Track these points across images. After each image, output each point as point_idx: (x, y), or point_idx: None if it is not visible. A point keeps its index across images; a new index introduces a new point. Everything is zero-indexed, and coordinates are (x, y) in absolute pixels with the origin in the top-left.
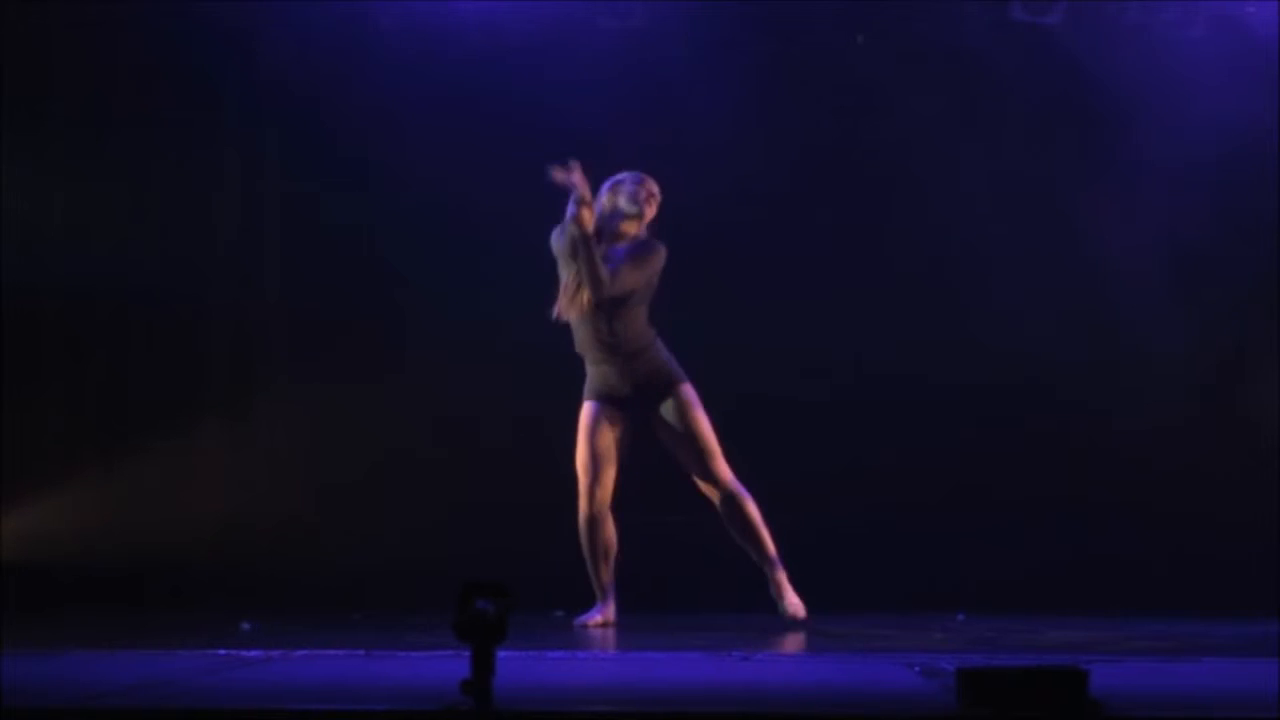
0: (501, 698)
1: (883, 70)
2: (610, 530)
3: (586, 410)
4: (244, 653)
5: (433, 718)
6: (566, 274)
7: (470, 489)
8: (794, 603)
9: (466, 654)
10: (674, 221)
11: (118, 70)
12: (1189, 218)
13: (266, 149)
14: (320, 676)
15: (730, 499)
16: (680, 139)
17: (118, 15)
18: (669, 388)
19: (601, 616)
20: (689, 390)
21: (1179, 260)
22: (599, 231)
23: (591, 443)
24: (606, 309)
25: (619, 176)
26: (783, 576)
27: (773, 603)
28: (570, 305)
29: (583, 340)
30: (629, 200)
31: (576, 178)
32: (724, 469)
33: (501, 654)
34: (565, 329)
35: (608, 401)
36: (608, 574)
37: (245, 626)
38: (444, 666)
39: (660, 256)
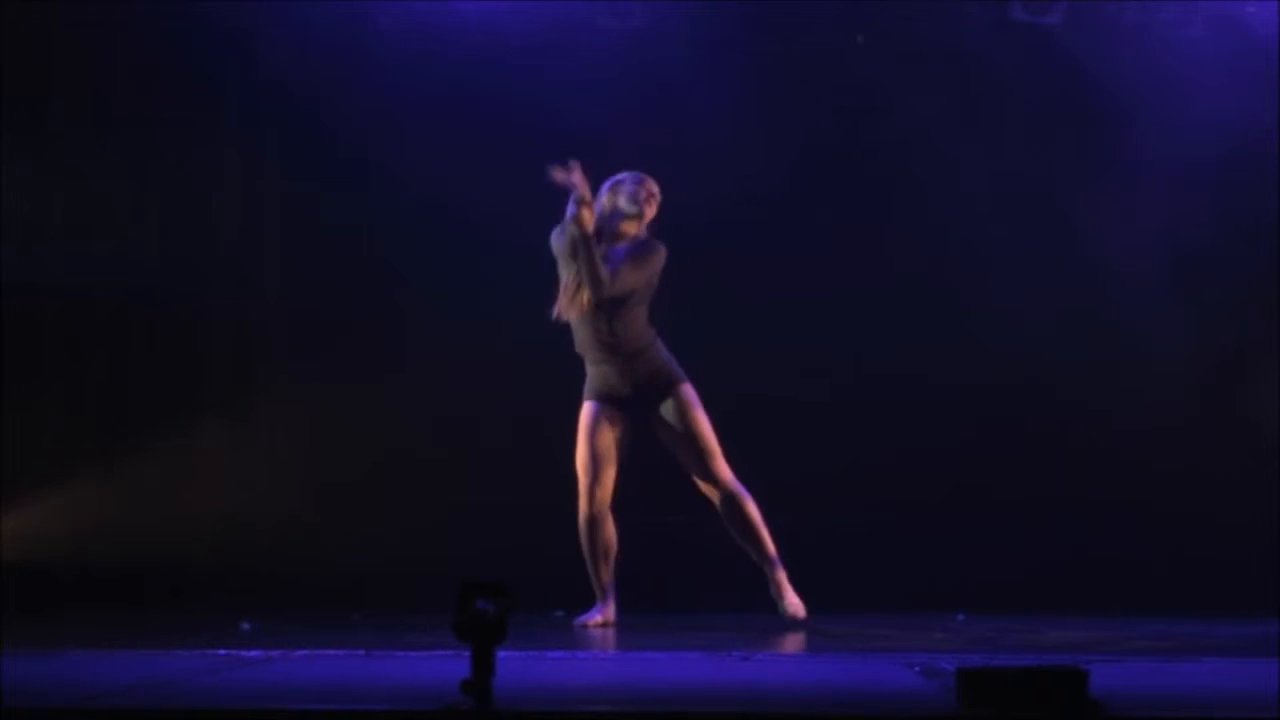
0: (501, 698)
1: (883, 70)
2: (610, 530)
3: (586, 410)
4: (244, 653)
5: (433, 718)
6: (566, 274)
7: (470, 489)
8: (794, 603)
9: (466, 654)
10: (674, 221)
11: (118, 70)
12: (1189, 218)
13: (266, 149)
14: (320, 676)
15: (730, 499)
16: (680, 139)
17: (118, 15)
18: (669, 388)
19: (601, 616)
20: (689, 390)
21: (1179, 260)
22: (599, 231)
23: (591, 443)
24: (606, 309)
25: (619, 176)
26: (783, 576)
27: (773, 603)
28: (570, 305)
29: (583, 340)
30: (629, 200)
31: (576, 178)
32: (724, 469)
33: (501, 654)
34: (565, 329)
35: (608, 401)
36: (607, 574)
37: (245, 626)
38: (444, 666)
39: (660, 256)
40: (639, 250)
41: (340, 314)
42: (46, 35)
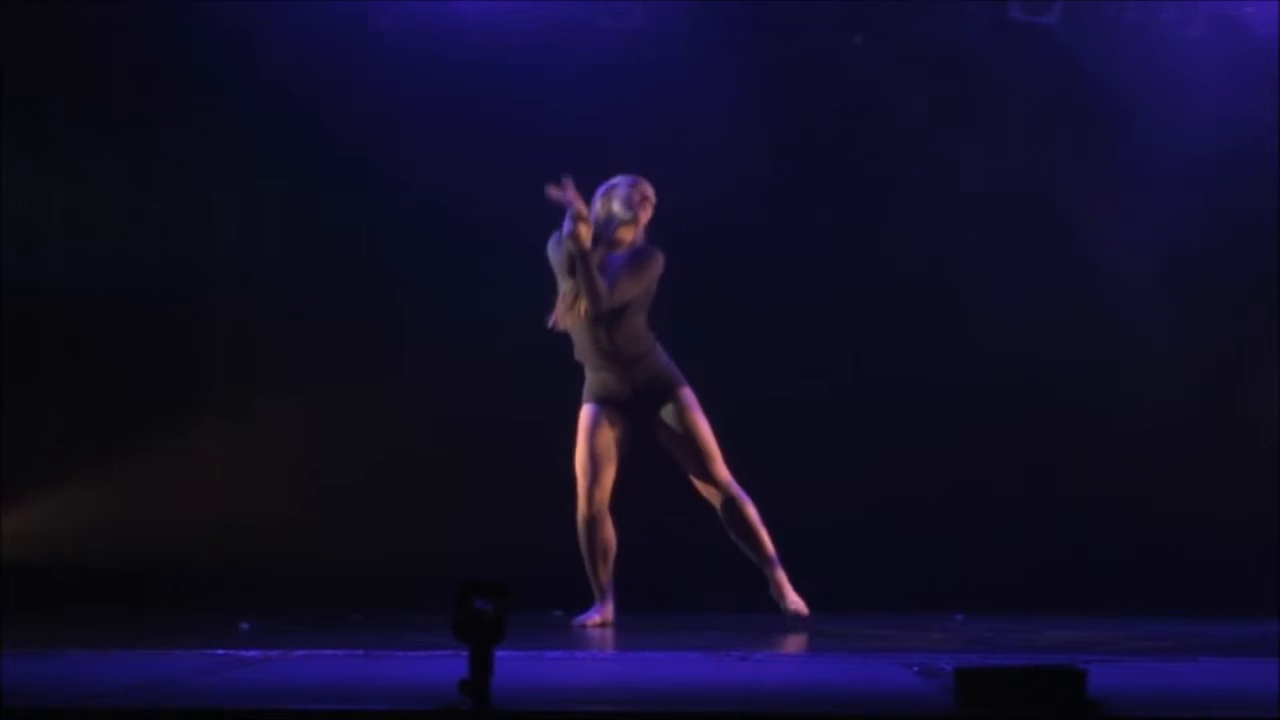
0: (500, 697)
1: (882, 70)
2: (609, 531)
3: (586, 412)
4: (243, 653)
5: (431, 717)
6: (564, 284)
7: (469, 489)
8: (795, 601)
9: (465, 654)
10: (674, 222)
11: (118, 70)
12: (1189, 218)
13: (266, 149)
14: (319, 676)
15: (730, 501)
16: (680, 139)
17: (118, 15)
18: (669, 392)
19: (600, 616)
20: (688, 393)
21: (1179, 260)
22: (595, 238)
23: (590, 444)
24: (605, 318)
25: (613, 181)
26: (782, 576)
27: (772, 603)
28: (568, 315)
29: (582, 348)
30: (623, 205)
31: (571, 194)
32: (723, 471)
33: (500, 654)
34: (565, 331)
35: (607, 404)
36: (606, 574)
37: (244, 626)
38: (442, 666)
39: (658, 264)
40: (637, 260)
41: (340, 314)
42: (46, 35)
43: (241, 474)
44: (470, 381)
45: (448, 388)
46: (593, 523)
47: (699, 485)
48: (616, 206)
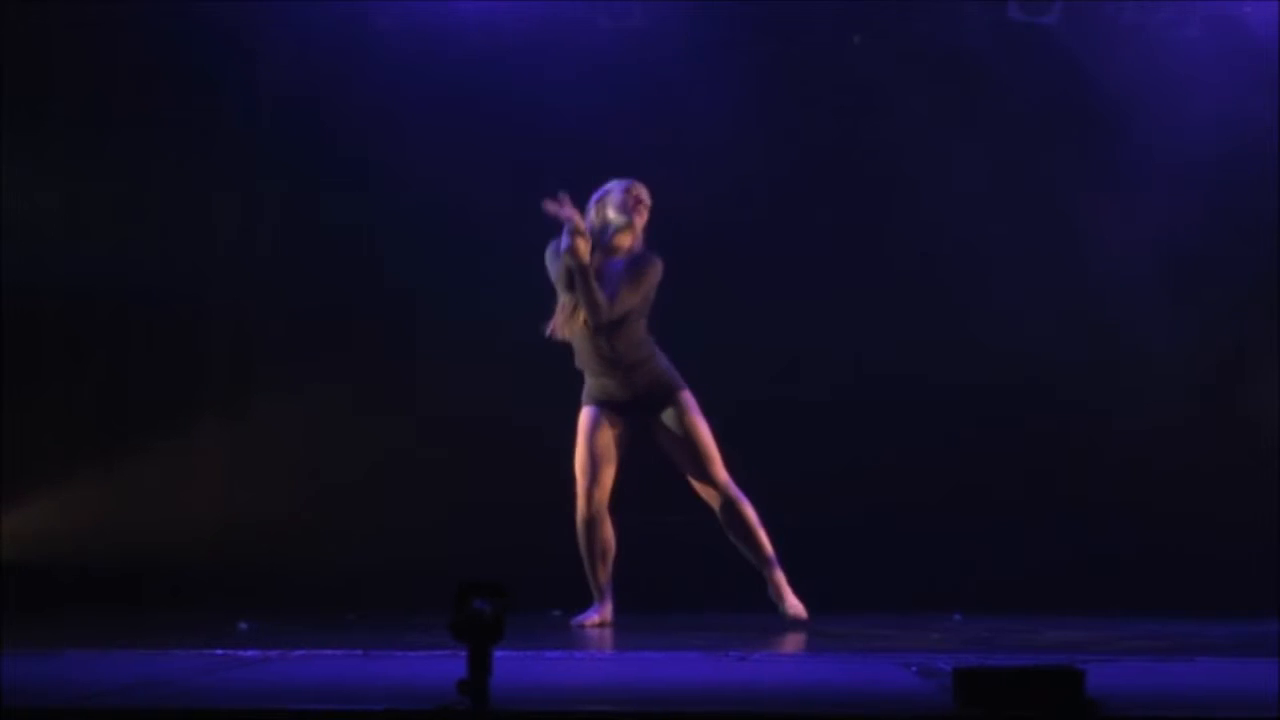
0: (498, 697)
1: (882, 70)
2: (608, 531)
3: (585, 414)
4: (241, 653)
5: (430, 717)
6: (563, 295)
7: (470, 489)
8: (794, 604)
9: (464, 654)
10: (674, 222)
11: (118, 70)
12: (1189, 218)
13: (266, 149)
14: (318, 676)
15: (729, 503)
16: (680, 139)
17: (118, 15)
18: (669, 395)
19: (599, 617)
20: (688, 396)
21: (1179, 260)
22: (592, 246)
23: (590, 445)
24: (605, 327)
25: (607, 186)
26: (781, 578)
27: (772, 603)
28: (566, 325)
29: (582, 356)
30: (618, 211)
31: (567, 209)
32: (722, 473)
33: (498, 654)
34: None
35: (606, 406)
36: (605, 575)
37: (243, 626)
38: (441, 666)
39: (657, 271)
40: (635, 268)
41: (340, 314)
42: (46, 35)
43: (241, 474)
44: (470, 381)
45: (448, 388)
46: (592, 523)
47: (698, 487)
48: (611, 213)
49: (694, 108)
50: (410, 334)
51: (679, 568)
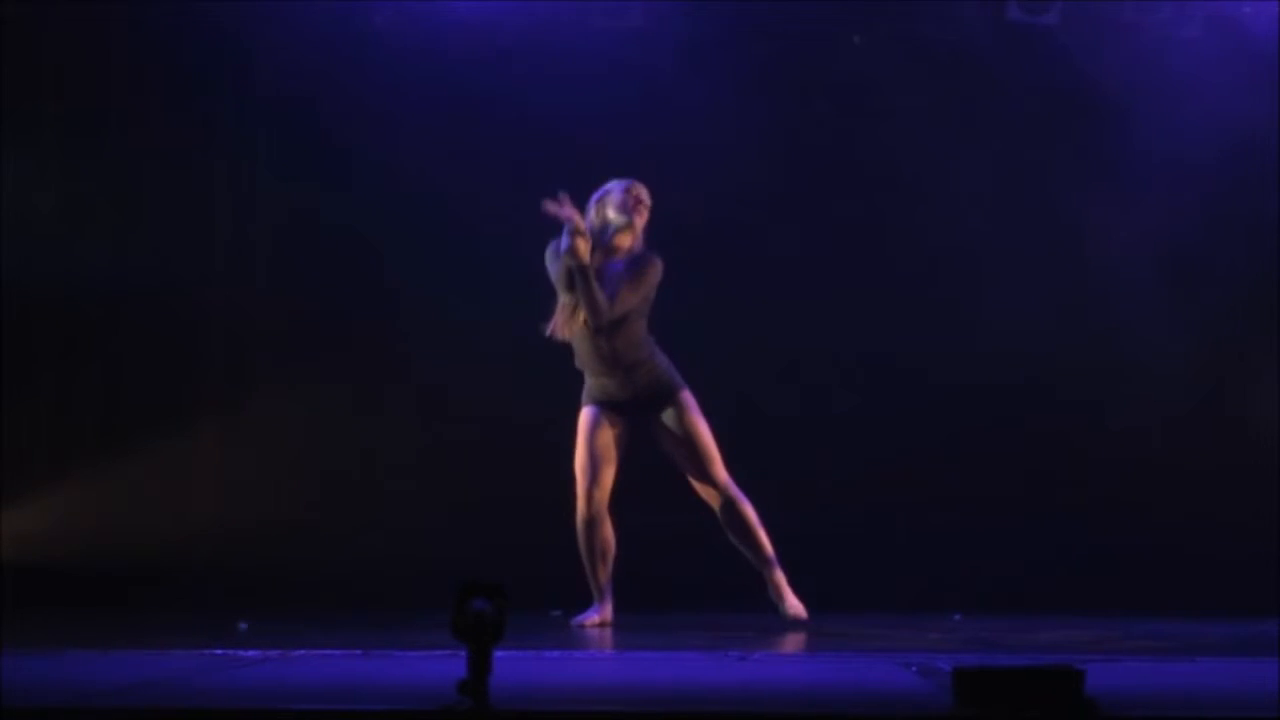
0: (498, 698)
1: (882, 70)
2: (608, 531)
3: (585, 414)
4: (241, 653)
5: (430, 717)
6: (563, 296)
7: (469, 489)
8: (794, 604)
9: (464, 654)
10: (673, 222)
11: (115, 70)
12: (1189, 218)
13: (263, 149)
14: (317, 676)
15: (729, 504)
16: (680, 139)
17: (117, 15)
18: (669, 395)
19: (599, 617)
20: (688, 396)
21: (1179, 260)
22: (592, 246)
23: (590, 445)
24: (605, 327)
25: (606, 186)
26: (781, 579)
27: (771, 603)
28: (566, 325)
29: (583, 356)
30: (618, 211)
31: (567, 210)
32: (722, 473)
33: (498, 654)
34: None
35: (606, 406)
36: (605, 575)
37: (242, 626)
38: (441, 666)
39: (657, 271)
40: (636, 269)
41: (340, 314)
42: (46, 35)
43: (239, 474)
44: (470, 381)
45: (448, 388)
46: (592, 523)
47: (698, 487)
48: (611, 213)
49: (694, 108)
50: (410, 334)
51: (679, 568)
